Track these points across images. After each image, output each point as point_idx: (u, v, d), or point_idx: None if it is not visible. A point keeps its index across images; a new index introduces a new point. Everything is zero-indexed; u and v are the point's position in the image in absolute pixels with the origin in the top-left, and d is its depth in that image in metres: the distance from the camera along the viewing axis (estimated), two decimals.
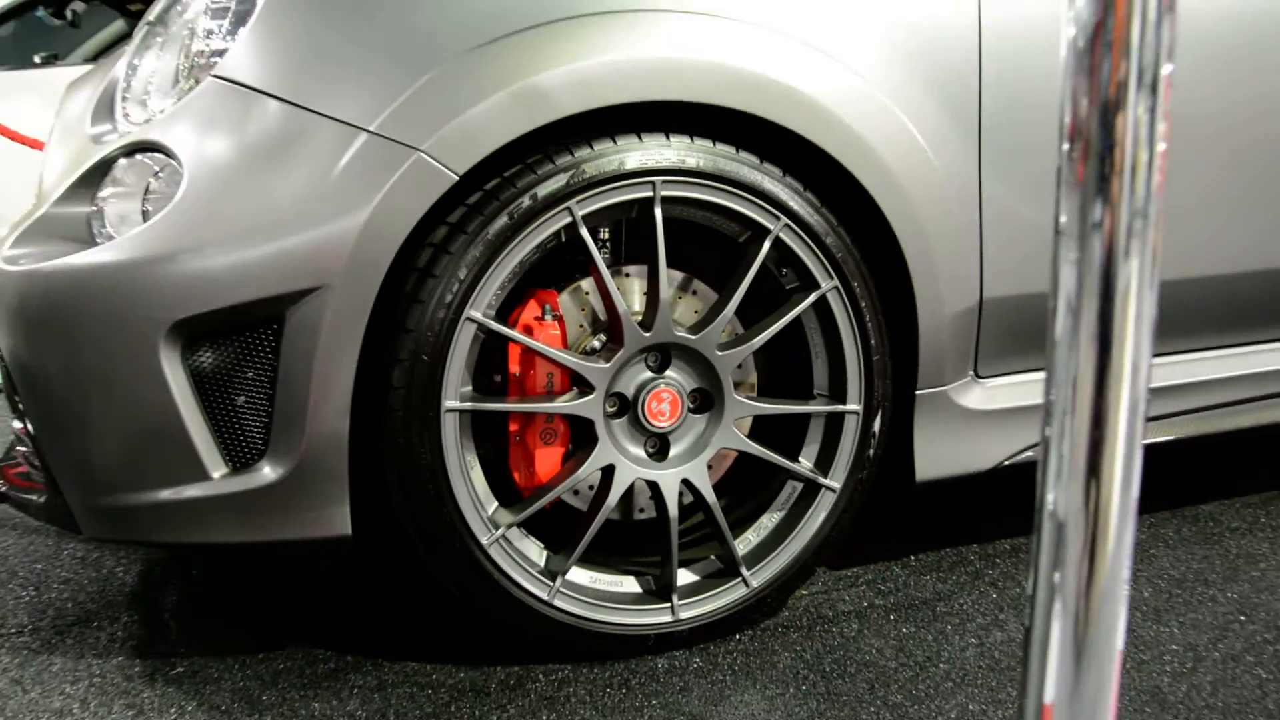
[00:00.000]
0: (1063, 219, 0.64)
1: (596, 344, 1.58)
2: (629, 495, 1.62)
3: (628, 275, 1.61)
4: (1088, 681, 0.66)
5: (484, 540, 1.47)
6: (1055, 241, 0.65)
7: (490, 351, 1.55)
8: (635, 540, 1.67)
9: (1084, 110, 0.63)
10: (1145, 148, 0.62)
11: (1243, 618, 1.65)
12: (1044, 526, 0.66)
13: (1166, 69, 0.62)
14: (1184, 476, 2.22)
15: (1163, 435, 1.90)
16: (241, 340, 1.40)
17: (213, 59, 1.46)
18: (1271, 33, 1.79)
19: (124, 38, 5.19)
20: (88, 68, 3.06)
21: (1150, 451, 1.88)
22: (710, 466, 1.60)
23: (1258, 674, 1.49)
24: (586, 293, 1.58)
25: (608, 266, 1.53)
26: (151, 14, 1.65)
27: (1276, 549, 1.89)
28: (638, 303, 1.61)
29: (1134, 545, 0.67)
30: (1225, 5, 1.76)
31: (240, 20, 1.46)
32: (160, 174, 1.46)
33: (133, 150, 1.48)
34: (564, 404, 1.50)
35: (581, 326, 1.58)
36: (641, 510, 1.65)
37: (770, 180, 1.51)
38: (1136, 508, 0.66)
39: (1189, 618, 1.65)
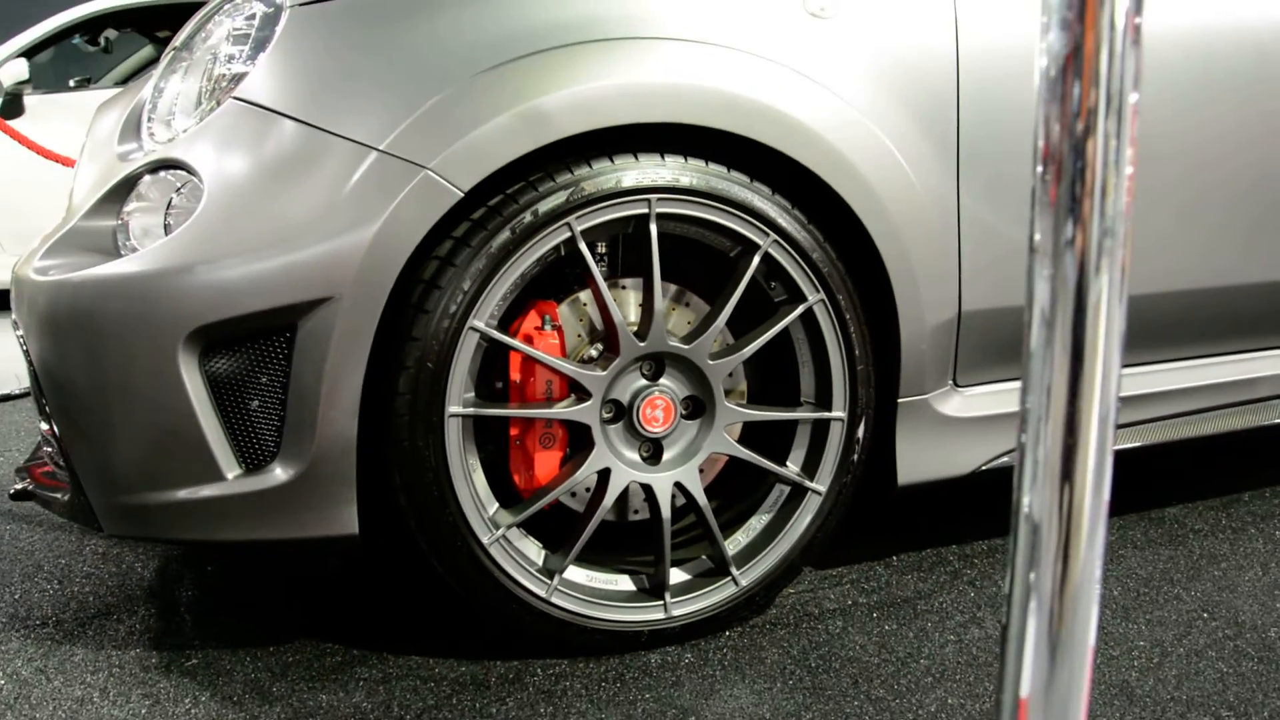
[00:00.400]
0: (1037, 237, 0.64)
1: (594, 353, 1.57)
2: (624, 497, 1.61)
3: (624, 287, 1.60)
4: (1061, 676, 0.65)
5: (485, 540, 1.46)
6: (1030, 258, 0.64)
7: (492, 359, 1.54)
8: (630, 540, 1.66)
9: (1056, 135, 0.62)
10: (1114, 170, 0.62)
11: (1205, 615, 1.64)
12: (1020, 528, 0.65)
13: (1133, 97, 0.61)
14: (1151, 481, 2.21)
15: (1131, 442, 1.90)
16: (256, 347, 1.39)
17: (233, 82, 1.46)
18: (1218, 63, 1.78)
19: (152, 62, 5.19)
20: (119, 90, 3.05)
21: (1119, 457, 1.88)
22: (702, 470, 1.59)
23: (1219, 668, 1.48)
24: (584, 304, 1.57)
25: (605, 279, 1.52)
26: (177, 40, 1.65)
27: (1236, 549, 1.88)
28: (633, 313, 1.60)
29: (1105, 546, 0.66)
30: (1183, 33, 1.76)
31: (260, 46, 1.45)
32: (182, 190, 1.46)
33: (156, 167, 1.48)
34: (562, 410, 1.49)
35: (580, 336, 1.58)
36: (636, 511, 1.64)
37: (760, 198, 1.51)
38: (1107, 510, 0.65)
39: (1155, 615, 1.64)
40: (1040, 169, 0.63)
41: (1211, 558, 1.84)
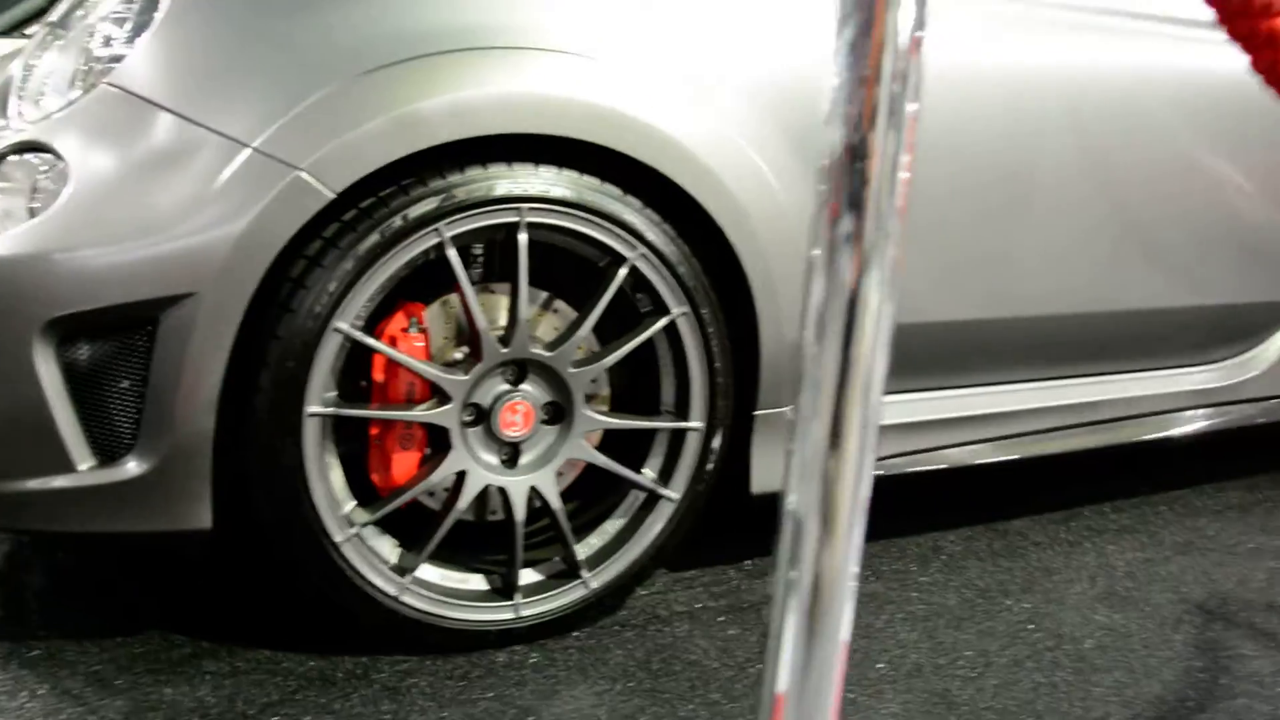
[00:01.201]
0: (815, 243, 0.65)
1: (459, 356, 1.56)
2: (483, 497, 1.59)
3: (493, 292, 1.59)
4: (814, 671, 0.66)
5: (338, 538, 1.44)
6: (808, 260, 0.66)
7: (358, 358, 1.52)
8: (490, 540, 1.65)
9: (840, 140, 0.64)
10: (889, 174, 0.64)
11: (1030, 626, 1.69)
12: (785, 526, 0.67)
13: (911, 107, 0.64)
14: (1000, 495, 2.24)
15: (986, 458, 1.96)
16: (116, 339, 1.35)
17: (110, 64, 1.42)
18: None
19: (43, 13, 4.97)
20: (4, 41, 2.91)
21: (973, 472, 1.94)
22: (562, 473, 1.59)
23: (1035, 679, 1.53)
24: (453, 307, 1.56)
25: (478, 283, 1.52)
26: (54, 15, 1.60)
27: (1070, 563, 1.94)
28: (504, 318, 1.59)
29: (862, 543, 0.68)
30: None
31: (140, 30, 1.42)
32: (47, 174, 1.41)
33: (22, 149, 1.43)
34: (421, 413, 1.47)
35: (446, 338, 1.56)
36: (494, 512, 1.62)
37: (631, 211, 1.52)
38: (867, 508, 0.67)
39: (985, 625, 1.69)
40: (825, 174, 0.65)
41: (1046, 570, 1.91)
